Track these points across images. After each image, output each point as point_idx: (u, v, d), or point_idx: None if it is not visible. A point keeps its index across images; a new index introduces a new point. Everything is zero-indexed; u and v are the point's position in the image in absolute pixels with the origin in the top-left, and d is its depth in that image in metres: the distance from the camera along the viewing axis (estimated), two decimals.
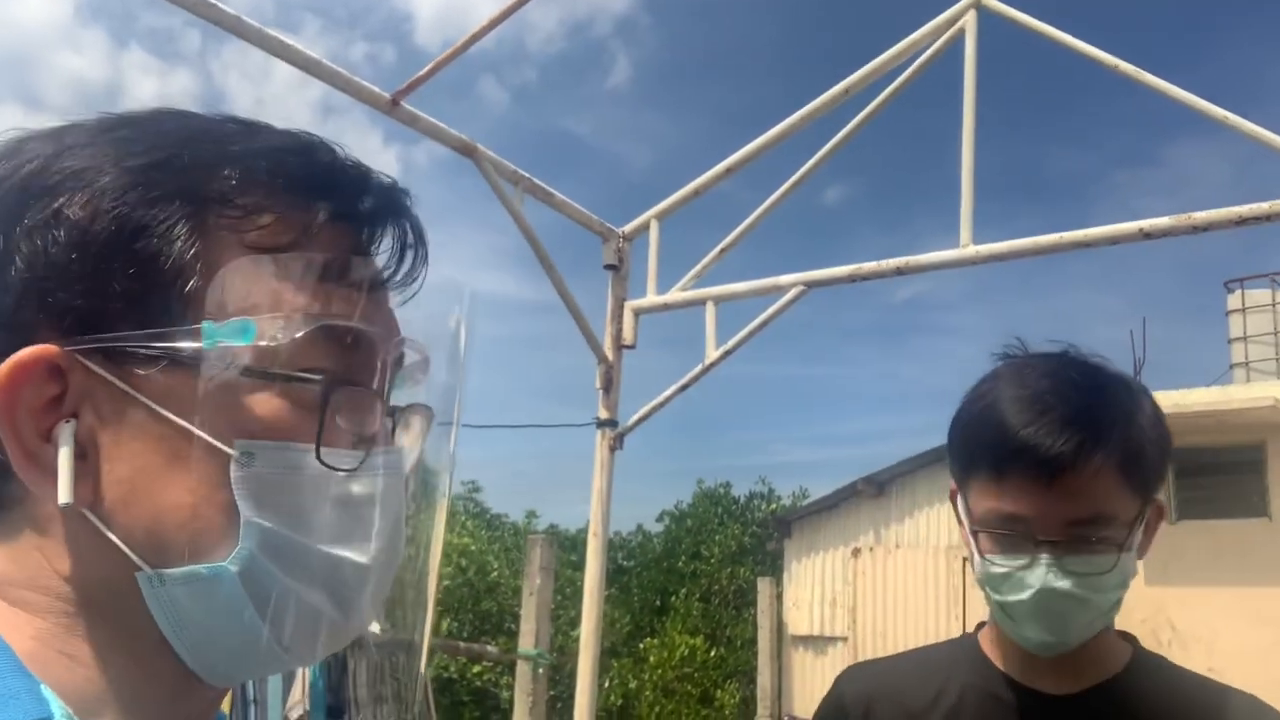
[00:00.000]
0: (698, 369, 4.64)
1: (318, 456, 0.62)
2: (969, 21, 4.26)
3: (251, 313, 0.61)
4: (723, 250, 4.84)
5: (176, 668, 0.62)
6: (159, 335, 0.60)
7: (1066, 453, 1.29)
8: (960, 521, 1.44)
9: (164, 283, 0.61)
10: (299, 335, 0.62)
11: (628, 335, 4.90)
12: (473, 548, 21.05)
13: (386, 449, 0.67)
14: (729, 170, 4.81)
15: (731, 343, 4.59)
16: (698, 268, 4.81)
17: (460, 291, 0.72)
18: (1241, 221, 3.49)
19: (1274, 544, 10.78)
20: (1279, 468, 11.02)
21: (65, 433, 0.59)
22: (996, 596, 1.36)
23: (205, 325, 0.60)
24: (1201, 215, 3.58)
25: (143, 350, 0.60)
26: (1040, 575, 1.30)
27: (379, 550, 0.65)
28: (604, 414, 4.87)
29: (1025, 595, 1.32)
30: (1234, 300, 13.09)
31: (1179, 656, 1.53)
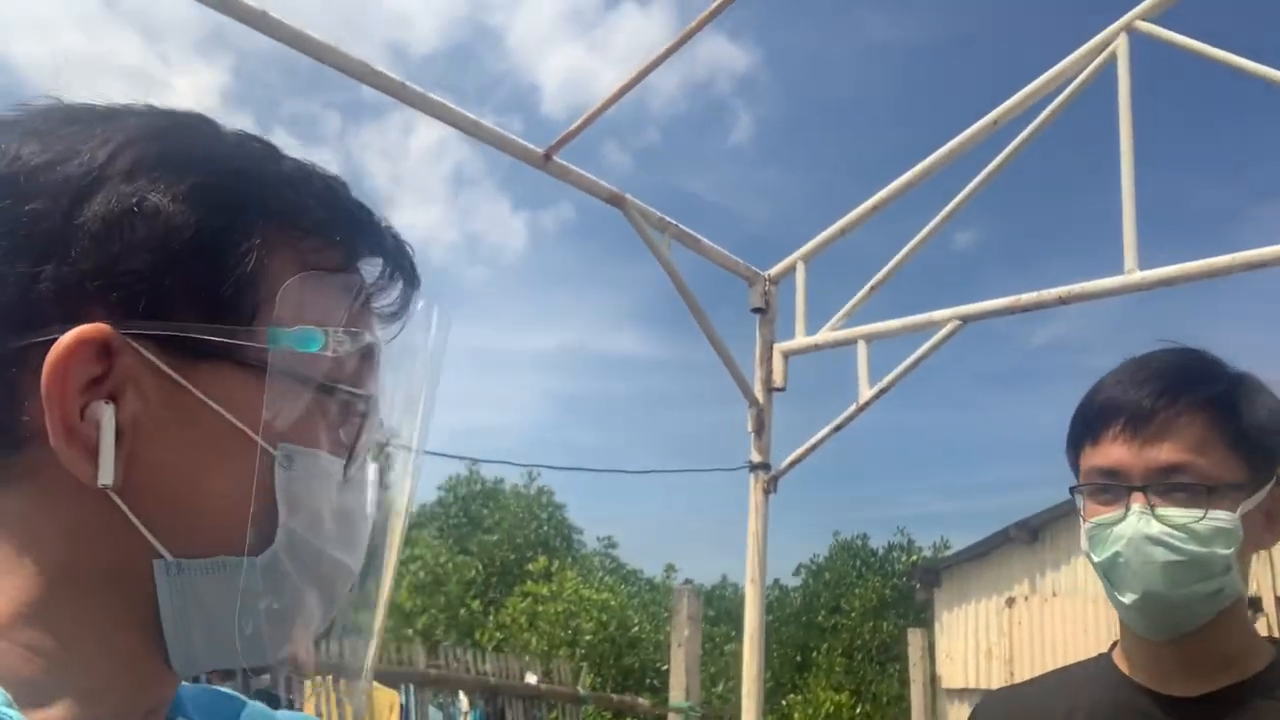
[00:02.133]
0: (851, 409, 4.59)
1: (345, 468, 0.68)
2: (1120, 45, 4.17)
3: (318, 323, 0.65)
4: (873, 288, 4.79)
5: (149, 658, 0.63)
6: (226, 331, 0.62)
7: (1146, 398, 1.37)
8: (1079, 511, 1.47)
9: (230, 284, 0.63)
10: (356, 350, 0.67)
11: (777, 378, 4.89)
12: (613, 602, 21.09)
13: (367, 467, 0.72)
14: (875, 208, 4.78)
15: (886, 381, 4.53)
16: (848, 306, 4.77)
17: (433, 316, 0.75)
18: None
19: None
20: None
21: (107, 414, 0.60)
22: (1096, 559, 1.40)
23: (271, 329, 0.64)
24: None
25: (205, 345, 0.62)
26: (1132, 524, 1.35)
27: (361, 555, 0.70)
28: (756, 457, 4.85)
29: (1119, 547, 1.36)
30: None
31: None
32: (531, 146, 4.00)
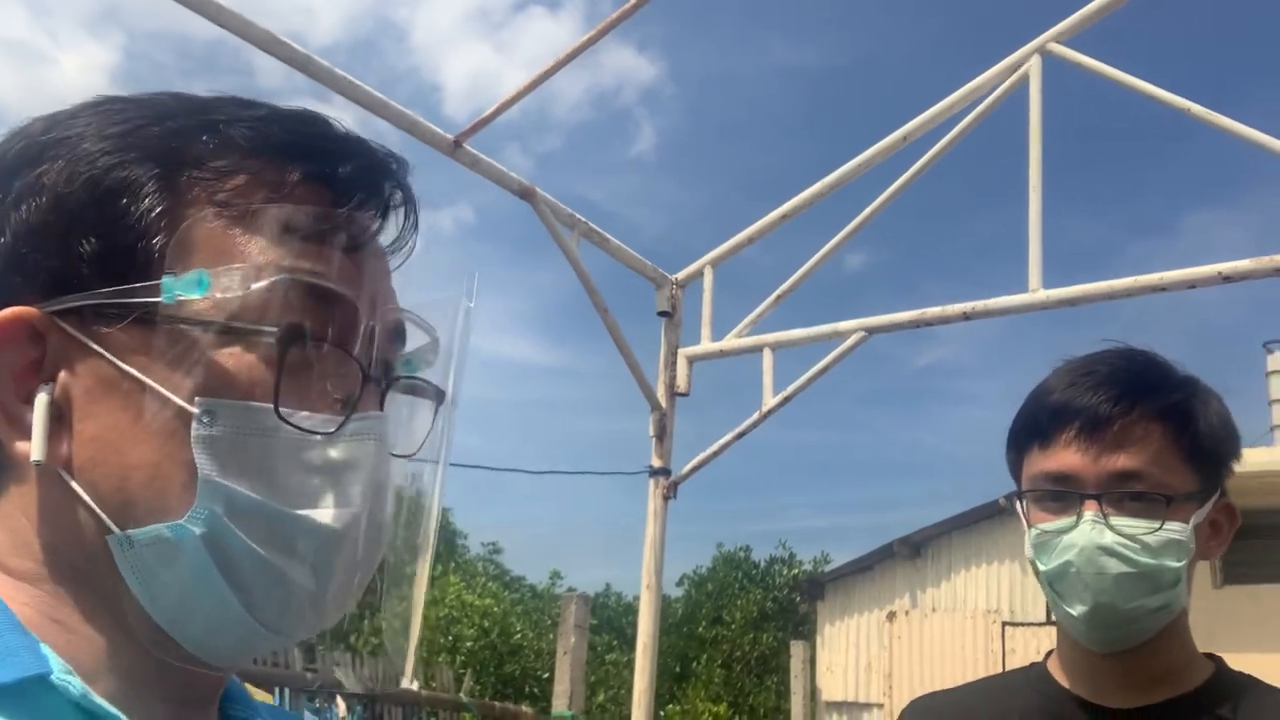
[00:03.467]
0: (755, 416, 4.57)
1: (276, 415, 0.60)
2: (1033, 66, 4.23)
3: (212, 267, 0.61)
4: (779, 297, 4.78)
5: (168, 639, 0.61)
6: (122, 292, 0.60)
7: (1104, 404, 1.32)
8: (1021, 515, 1.42)
9: (130, 242, 0.61)
10: (256, 287, 0.61)
11: (681, 383, 4.83)
12: (495, 609, 20.85)
13: (364, 415, 0.64)
14: (785, 217, 4.77)
15: (791, 389, 4.51)
16: (755, 313, 4.74)
17: (467, 276, 0.72)
18: None
19: None
20: None
21: (41, 394, 0.60)
22: (1044, 568, 1.35)
23: (165, 280, 0.60)
24: None
25: (110, 309, 0.60)
26: (1084, 532, 1.30)
27: (352, 517, 0.63)
28: (657, 462, 4.78)
29: (1070, 555, 1.31)
30: (1274, 361, 12.94)
31: None
32: (441, 132, 3.88)
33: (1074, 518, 1.32)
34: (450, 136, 3.88)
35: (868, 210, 4.74)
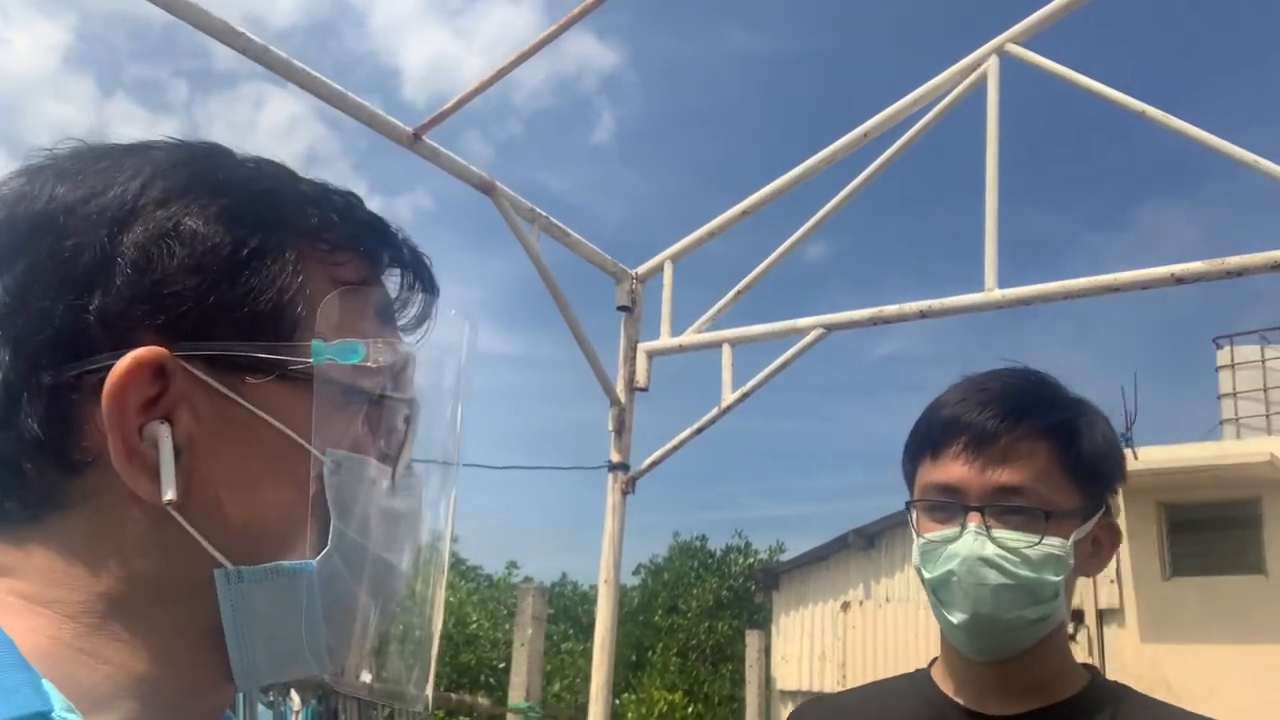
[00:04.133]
0: (714, 412, 4.57)
1: (392, 475, 0.71)
2: (991, 66, 4.26)
3: (350, 337, 0.68)
4: (739, 293, 4.78)
5: (209, 667, 0.65)
6: (271, 347, 0.65)
7: (991, 420, 1.37)
8: (911, 525, 1.46)
9: (272, 303, 0.66)
10: (393, 361, 0.70)
11: (640, 378, 4.83)
12: (451, 599, 20.78)
13: (414, 472, 0.74)
14: (745, 213, 4.78)
15: (750, 385, 4.53)
16: (713, 310, 4.75)
17: (465, 338, 0.79)
18: (1277, 266, 3.45)
19: (1271, 601, 10.71)
20: (1275, 524, 10.98)
21: (165, 433, 0.62)
22: (927, 574, 1.39)
23: (315, 344, 0.66)
24: (1235, 260, 3.54)
25: (252, 361, 0.65)
26: (966, 543, 1.35)
27: (411, 561, 0.73)
28: (616, 457, 4.78)
29: (952, 565, 1.35)
30: (1223, 356, 13.14)
31: None
32: (400, 125, 3.83)
33: (958, 528, 1.37)
34: (409, 129, 3.84)
35: (828, 206, 4.76)
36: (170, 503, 0.62)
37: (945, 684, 1.47)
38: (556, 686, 20.45)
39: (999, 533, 1.34)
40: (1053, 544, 1.34)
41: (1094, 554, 1.42)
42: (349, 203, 0.73)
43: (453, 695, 9.03)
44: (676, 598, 24.42)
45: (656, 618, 24.14)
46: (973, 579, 1.34)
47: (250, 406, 0.64)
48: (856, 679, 13.44)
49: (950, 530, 1.37)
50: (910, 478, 1.48)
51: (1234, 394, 12.82)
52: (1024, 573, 1.33)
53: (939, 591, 1.39)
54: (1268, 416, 12.50)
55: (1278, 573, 10.94)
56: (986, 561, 1.33)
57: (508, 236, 4.29)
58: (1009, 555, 1.34)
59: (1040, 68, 4.18)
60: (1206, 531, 11.25)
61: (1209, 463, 10.61)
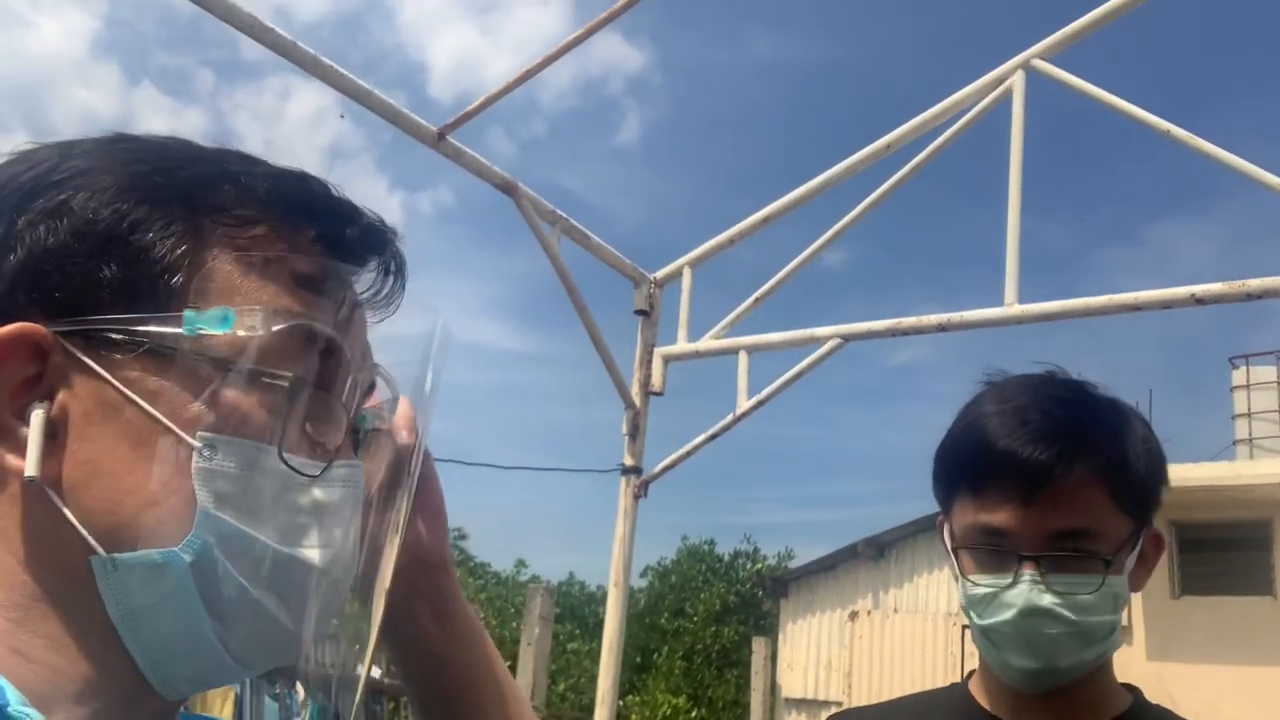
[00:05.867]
0: (729, 418, 4.58)
1: (280, 457, 0.64)
2: (1017, 82, 4.25)
3: (233, 306, 0.64)
4: (757, 299, 4.79)
5: (131, 668, 0.62)
6: (141, 320, 0.62)
7: (1046, 462, 1.26)
8: (947, 551, 1.39)
9: (153, 275, 0.63)
10: (276, 329, 0.64)
11: (656, 382, 4.84)
12: None
13: (348, 462, 0.69)
14: (766, 220, 4.78)
15: (765, 393, 4.53)
16: (731, 316, 4.75)
17: (437, 330, 0.77)
18: None
19: (1279, 624, 10.67)
20: None
21: (38, 411, 0.61)
22: (979, 621, 1.31)
23: (186, 313, 0.62)
24: (1256, 282, 3.54)
25: (125, 336, 0.62)
26: (1023, 593, 1.26)
27: (331, 558, 0.66)
28: (629, 460, 4.79)
29: (1008, 615, 1.27)
30: (1239, 376, 13.06)
31: None
32: (425, 124, 3.85)
33: (1011, 576, 1.28)
34: (434, 128, 3.85)
35: (849, 216, 4.76)
36: (32, 480, 0.59)
37: (984, 698, 1.42)
38: (561, 686, 20.47)
39: (1056, 580, 1.26)
40: (1112, 584, 1.27)
41: (1141, 566, 1.36)
42: (289, 181, 0.70)
43: None
44: (683, 601, 24.42)
45: (663, 620, 24.14)
46: (1030, 629, 1.26)
47: (115, 383, 0.61)
48: (862, 689, 13.40)
49: (1002, 578, 1.28)
50: (945, 504, 1.40)
51: (1249, 414, 12.75)
52: (1084, 619, 1.26)
53: (992, 637, 1.31)
54: None
55: None
56: (1045, 612, 1.26)
57: (528, 235, 4.31)
58: (1067, 604, 1.26)
59: (1066, 84, 4.17)
60: (1217, 551, 11.19)
61: (1220, 483, 10.56)
